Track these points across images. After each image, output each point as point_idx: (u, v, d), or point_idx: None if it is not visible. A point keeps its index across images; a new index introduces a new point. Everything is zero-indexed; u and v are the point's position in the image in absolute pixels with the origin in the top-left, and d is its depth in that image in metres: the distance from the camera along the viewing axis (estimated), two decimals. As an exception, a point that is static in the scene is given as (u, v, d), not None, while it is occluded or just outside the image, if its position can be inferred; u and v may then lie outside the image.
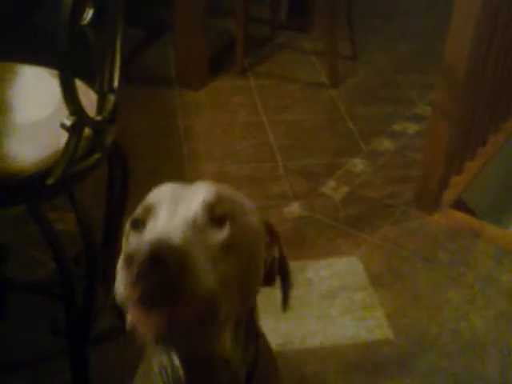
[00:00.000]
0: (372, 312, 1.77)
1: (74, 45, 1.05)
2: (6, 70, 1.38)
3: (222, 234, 0.72)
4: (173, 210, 0.73)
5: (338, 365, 1.62)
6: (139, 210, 0.76)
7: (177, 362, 0.79)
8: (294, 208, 2.14)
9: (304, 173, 2.32)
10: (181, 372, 0.79)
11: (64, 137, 1.14)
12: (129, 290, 0.65)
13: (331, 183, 2.26)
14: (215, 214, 0.73)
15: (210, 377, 0.79)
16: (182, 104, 2.67)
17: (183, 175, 2.25)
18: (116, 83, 1.27)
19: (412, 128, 2.58)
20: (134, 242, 0.68)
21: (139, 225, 0.74)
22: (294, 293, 1.75)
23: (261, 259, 0.80)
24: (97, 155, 1.24)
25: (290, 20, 3.36)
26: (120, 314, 1.62)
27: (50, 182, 1.14)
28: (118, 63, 1.26)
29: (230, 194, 0.79)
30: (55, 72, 1.36)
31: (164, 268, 0.63)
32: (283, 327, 1.70)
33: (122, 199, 1.47)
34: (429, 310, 1.78)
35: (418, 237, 2.05)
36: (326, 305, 1.78)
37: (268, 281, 0.84)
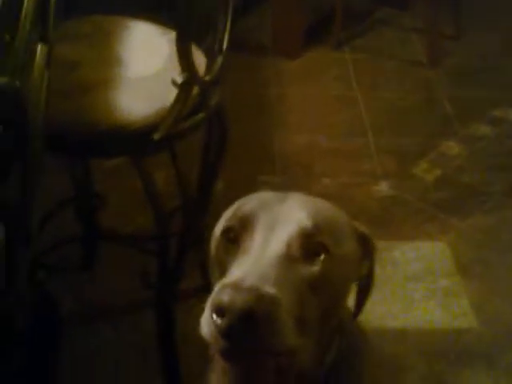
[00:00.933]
0: (457, 300, 1.72)
1: (193, 4, 1.05)
2: (118, 24, 1.40)
3: (313, 269, 0.70)
4: (267, 234, 0.71)
5: (419, 349, 1.58)
6: (233, 220, 0.75)
7: None
8: (383, 187, 2.10)
9: (395, 152, 2.26)
10: None
11: (172, 94, 1.16)
12: (214, 340, 0.66)
13: (423, 165, 2.20)
14: (310, 246, 0.71)
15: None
16: (276, 73, 2.65)
17: (272, 144, 2.24)
18: (225, 45, 1.27)
19: (513, 115, 2.47)
20: (226, 291, 0.64)
21: (232, 237, 0.74)
22: (379, 272, 1.72)
23: (350, 283, 0.78)
24: (201, 115, 1.24)
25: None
26: (206, 275, 1.64)
27: (156, 136, 1.16)
28: (228, 26, 1.26)
29: (326, 217, 0.75)
30: (165, 29, 1.38)
31: (253, 328, 0.63)
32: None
33: (217, 161, 1.48)
34: (517, 304, 1.72)
35: (511, 228, 1.97)
36: (410, 287, 1.75)
37: None
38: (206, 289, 1.68)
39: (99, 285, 1.68)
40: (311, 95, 2.55)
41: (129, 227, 1.83)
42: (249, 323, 0.62)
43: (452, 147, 2.29)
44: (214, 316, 0.64)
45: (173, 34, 1.14)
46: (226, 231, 0.75)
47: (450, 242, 1.90)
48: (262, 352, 0.66)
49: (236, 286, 0.64)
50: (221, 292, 0.64)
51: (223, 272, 0.73)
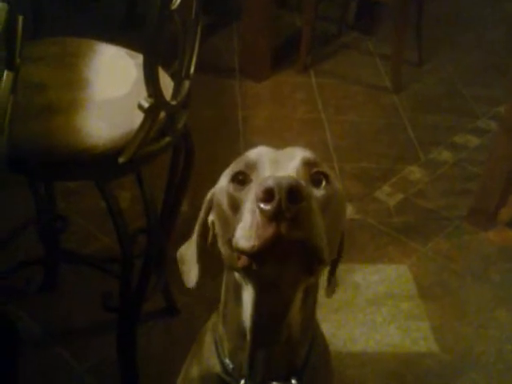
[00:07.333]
0: (418, 323, 1.75)
1: (162, 29, 1.06)
2: (86, 46, 1.40)
3: (319, 192, 0.74)
4: (275, 167, 0.75)
5: (378, 372, 1.60)
6: (240, 165, 0.77)
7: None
8: (347, 210, 2.13)
9: (359, 176, 2.30)
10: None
11: (138, 117, 1.16)
12: (261, 232, 0.66)
13: (386, 189, 2.24)
14: (313, 172, 0.75)
15: (274, 338, 0.80)
16: (243, 95, 2.67)
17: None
18: (192, 70, 1.28)
19: (473, 141, 2.53)
20: (269, 179, 0.66)
21: (241, 178, 0.76)
22: (340, 296, 1.74)
23: (343, 226, 0.81)
24: (168, 139, 1.25)
25: (357, 21, 3.33)
26: (168, 297, 1.63)
27: (121, 160, 1.16)
28: (196, 50, 1.28)
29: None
30: (133, 53, 1.38)
31: (300, 201, 0.65)
32: (326, 328, 1.69)
33: (183, 183, 1.49)
34: (475, 328, 1.75)
35: (471, 253, 2.01)
36: (371, 310, 1.77)
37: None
38: (169, 311, 1.67)
39: (60, 307, 1.66)
40: (277, 118, 2.58)
41: (92, 248, 1.82)
42: (296, 202, 0.64)
43: (414, 172, 2.34)
44: (261, 204, 0.65)
45: (141, 58, 1.15)
46: (235, 176, 0.76)
47: (411, 265, 1.93)
48: (302, 247, 0.66)
49: (276, 176, 0.67)
50: (264, 180, 0.66)
51: (237, 217, 0.73)
